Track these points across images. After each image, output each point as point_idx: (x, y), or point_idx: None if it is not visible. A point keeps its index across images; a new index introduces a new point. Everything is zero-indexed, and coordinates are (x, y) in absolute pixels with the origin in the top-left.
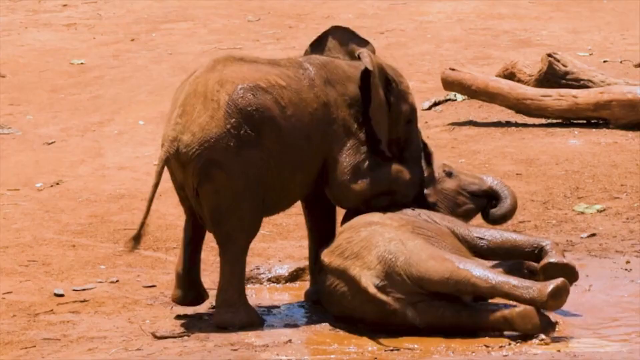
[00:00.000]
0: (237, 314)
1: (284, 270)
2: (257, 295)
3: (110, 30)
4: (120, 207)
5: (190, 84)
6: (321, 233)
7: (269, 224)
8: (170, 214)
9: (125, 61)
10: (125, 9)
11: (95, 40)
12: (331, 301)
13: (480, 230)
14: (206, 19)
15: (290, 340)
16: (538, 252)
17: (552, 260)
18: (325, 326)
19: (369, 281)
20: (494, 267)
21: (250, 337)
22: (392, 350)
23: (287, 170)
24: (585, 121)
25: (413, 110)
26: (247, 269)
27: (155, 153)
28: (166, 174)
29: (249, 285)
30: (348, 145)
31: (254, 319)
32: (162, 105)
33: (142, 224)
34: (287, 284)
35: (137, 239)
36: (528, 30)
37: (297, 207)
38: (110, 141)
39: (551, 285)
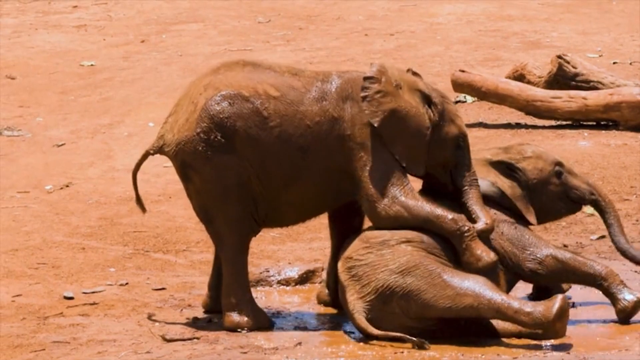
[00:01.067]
0: (243, 315)
1: (293, 272)
2: (266, 297)
3: (120, 32)
4: (130, 209)
5: (190, 84)
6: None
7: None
8: (180, 216)
9: (135, 63)
10: (135, 10)
11: (105, 42)
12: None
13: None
14: (216, 20)
15: (300, 343)
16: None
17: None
18: (335, 329)
19: (361, 315)
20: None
21: (260, 339)
22: (402, 352)
23: (276, 181)
24: (594, 123)
25: (462, 134)
26: (257, 272)
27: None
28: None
29: (258, 288)
30: (369, 164)
31: (261, 320)
32: (172, 107)
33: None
34: (297, 286)
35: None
36: (538, 32)
37: None
38: (120, 143)
39: (555, 307)
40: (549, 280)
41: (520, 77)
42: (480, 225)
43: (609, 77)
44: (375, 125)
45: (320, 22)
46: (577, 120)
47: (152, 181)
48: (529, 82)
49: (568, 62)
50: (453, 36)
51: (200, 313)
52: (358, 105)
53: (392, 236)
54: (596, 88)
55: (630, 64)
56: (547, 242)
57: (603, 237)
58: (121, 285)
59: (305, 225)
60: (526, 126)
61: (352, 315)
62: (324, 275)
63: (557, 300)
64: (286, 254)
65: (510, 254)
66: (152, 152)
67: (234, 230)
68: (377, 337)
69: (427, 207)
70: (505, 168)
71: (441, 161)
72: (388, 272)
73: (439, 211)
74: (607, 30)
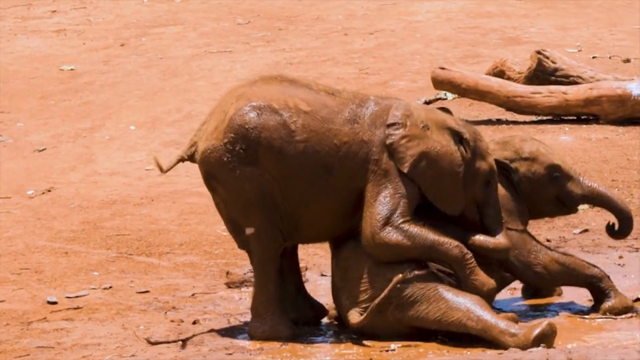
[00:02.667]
0: (263, 325)
1: None
2: (250, 298)
3: (99, 36)
4: (113, 213)
5: (227, 92)
6: None
7: None
8: (163, 219)
9: (116, 66)
10: (114, 14)
11: (85, 46)
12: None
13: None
14: (196, 22)
15: (285, 344)
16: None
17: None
18: (320, 328)
19: (356, 316)
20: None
21: (246, 341)
22: (387, 350)
23: (297, 198)
24: (575, 117)
25: (492, 171)
26: (241, 272)
27: (146, 158)
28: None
29: (243, 289)
30: (384, 192)
31: (281, 330)
32: (152, 110)
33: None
34: None
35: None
36: (517, 28)
37: None
38: (101, 147)
39: (536, 331)
40: (552, 284)
41: (500, 73)
42: (495, 241)
43: (589, 72)
44: (405, 171)
45: (300, 22)
46: (558, 115)
47: (135, 184)
48: (508, 78)
49: (547, 58)
50: (432, 34)
51: (184, 315)
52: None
53: None
54: (576, 83)
55: (610, 58)
56: (547, 246)
57: (586, 230)
58: (105, 289)
59: None
60: (507, 122)
61: (346, 317)
62: (308, 275)
63: (541, 325)
64: None
65: (514, 259)
66: (185, 157)
67: (260, 240)
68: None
69: (432, 236)
70: (499, 166)
71: (471, 198)
72: (385, 282)
73: (444, 239)
74: (585, 25)
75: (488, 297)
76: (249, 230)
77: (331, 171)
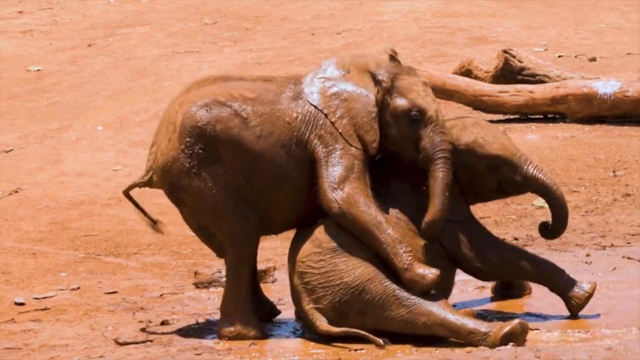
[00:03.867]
0: (231, 324)
1: None
2: (218, 298)
3: (66, 36)
4: (80, 213)
5: (165, 110)
6: None
7: None
8: (131, 219)
9: (83, 67)
10: (81, 14)
11: (51, 47)
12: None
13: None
14: (163, 22)
15: (253, 344)
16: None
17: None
18: (288, 328)
19: (322, 320)
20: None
21: (214, 341)
22: (356, 350)
23: (265, 183)
24: (542, 116)
25: (415, 107)
26: (209, 272)
27: (114, 158)
28: None
29: (211, 289)
30: (335, 152)
31: (249, 330)
32: (120, 110)
33: (144, 213)
34: None
35: (154, 226)
36: (483, 28)
37: None
38: (68, 147)
39: (505, 329)
40: (496, 278)
41: (467, 72)
42: (426, 218)
43: (555, 71)
44: (318, 107)
45: (267, 22)
46: (525, 114)
47: (102, 185)
48: (476, 78)
49: (514, 57)
50: (399, 33)
51: (153, 316)
52: (328, 99)
53: (344, 241)
54: (542, 81)
55: (576, 57)
56: (496, 238)
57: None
58: (73, 289)
59: None
60: None
61: (313, 323)
62: (276, 274)
63: (511, 324)
64: None
65: (460, 253)
66: (140, 185)
67: (233, 240)
68: (339, 335)
69: (374, 213)
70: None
71: (401, 138)
72: (344, 287)
73: (382, 220)
74: (551, 24)
75: (430, 288)
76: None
77: (290, 148)
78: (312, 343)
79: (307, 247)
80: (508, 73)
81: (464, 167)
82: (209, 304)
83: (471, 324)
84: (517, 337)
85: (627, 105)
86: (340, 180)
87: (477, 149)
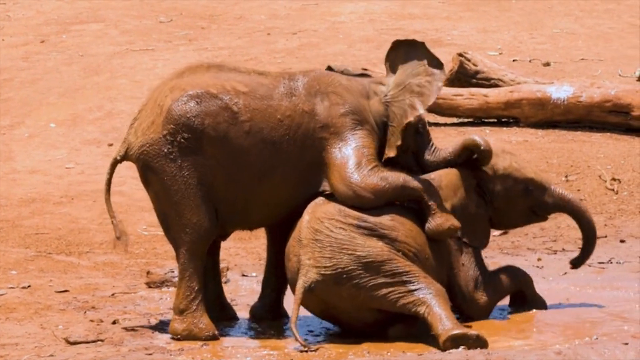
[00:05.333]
0: (183, 322)
1: None
2: (171, 298)
3: (19, 32)
4: (32, 211)
5: (154, 89)
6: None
7: None
8: (83, 218)
9: (36, 63)
10: (34, 10)
11: (4, 42)
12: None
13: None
14: (117, 20)
15: (205, 344)
16: None
17: None
18: (241, 329)
19: (303, 283)
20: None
21: (166, 341)
22: (307, 351)
23: (248, 178)
24: (496, 120)
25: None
26: (162, 272)
27: (66, 156)
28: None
29: (164, 288)
30: (345, 147)
31: (202, 329)
32: (73, 108)
33: (113, 223)
34: None
35: (120, 238)
36: (439, 30)
37: None
38: (20, 144)
39: (455, 330)
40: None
41: None
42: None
43: (509, 75)
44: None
45: (223, 21)
46: (479, 118)
47: (55, 182)
48: None
49: (469, 60)
50: (355, 35)
51: (104, 315)
52: (328, 98)
53: (367, 224)
54: (497, 85)
55: (530, 61)
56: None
57: (505, 233)
58: (23, 288)
59: None
60: (429, 124)
61: (298, 277)
62: (229, 275)
63: (459, 329)
64: None
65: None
66: (118, 158)
67: (189, 235)
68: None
69: (402, 176)
70: (475, 185)
71: (405, 147)
72: (354, 258)
73: (412, 178)
74: (506, 28)
75: (448, 233)
76: None
77: (279, 146)
78: (264, 344)
79: (331, 210)
80: (463, 76)
81: (501, 192)
82: (161, 303)
83: (449, 324)
84: (457, 343)
85: (580, 110)
86: (360, 169)
87: (514, 173)
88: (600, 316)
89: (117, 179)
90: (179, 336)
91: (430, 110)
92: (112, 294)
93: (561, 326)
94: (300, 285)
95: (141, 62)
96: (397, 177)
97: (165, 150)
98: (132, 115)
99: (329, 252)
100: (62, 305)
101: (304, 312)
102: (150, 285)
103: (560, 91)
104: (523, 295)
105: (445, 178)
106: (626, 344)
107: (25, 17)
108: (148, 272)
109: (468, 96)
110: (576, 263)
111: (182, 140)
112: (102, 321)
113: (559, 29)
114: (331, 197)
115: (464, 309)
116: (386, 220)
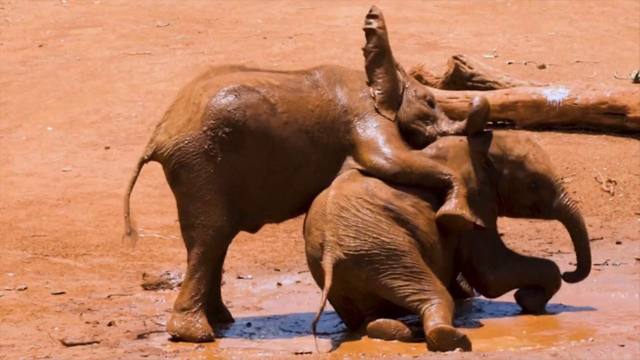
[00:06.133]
0: (182, 321)
1: None
2: (167, 300)
3: (17, 36)
4: (29, 213)
5: (180, 91)
6: None
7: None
8: (79, 220)
9: (33, 67)
10: (33, 14)
11: (2, 47)
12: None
13: None
14: (115, 24)
15: (200, 346)
16: None
17: None
18: (236, 331)
19: (330, 259)
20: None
21: (161, 343)
22: (301, 353)
23: (285, 168)
24: (491, 122)
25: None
26: (158, 274)
27: (63, 159)
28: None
29: (159, 290)
30: (372, 127)
31: (198, 329)
32: (70, 111)
33: (126, 219)
34: None
35: (130, 234)
36: (434, 34)
37: None
38: (18, 147)
39: (443, 325)
40: (497, 296)
41: (417, 78)
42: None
43: (505, 77)
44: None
45: (219, 25)
46: None
47: (51, 185)
48: (426, 83)
49: (464, 63)
50: (351, 38)
51: (100, 317)
52: (346, 85)
53: (393, 207)
54: (492, 88)
55: (525, 64)
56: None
57: (501, 235)
58: (20, 289)
59: None
60: None
61: (321, 252)
62: (224, 277)
63: (448, 325)
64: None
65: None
66: (145, 158)
67: (209, 239)
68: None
69: (431, 161)
70: (484, 162)
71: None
72: (378, 242)
73: (441, 165)
74: (501, 31)
75: (462, 221)
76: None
77: (312, 135)
78: (259, 347)
79: (359, 189)
80: (458, 79)
81: (507, 177)
82: (156, 305)
83: (439, 319)
84: (441, 344)
85: (576, 112)
86: (383, 143)
87: (526, 164)
88: (597, 318)
89: (114, 182)
90: (175, 333)
91: None
92: (108, 296)
93: (557, 328)
94: (328, 261)
95: (138, 66)
96: (427, 160)
97: (206, 146)
98: (128, 118)
99: (353, 231)
100: (59, 307)
101: (303, 310)
102: (146, 287)
103: (555, 93)
104: (537, 290)
105: (452, 150)
106: (622, 345)
107: (23, 21)
108: (144, 275)
109: (463, 99)
110: (570, 280)
111: (224, 135)
112: (98, 323)
113: (554, 32)
114: (355, 175)
115: (472, 283)
116: (408, 207)
